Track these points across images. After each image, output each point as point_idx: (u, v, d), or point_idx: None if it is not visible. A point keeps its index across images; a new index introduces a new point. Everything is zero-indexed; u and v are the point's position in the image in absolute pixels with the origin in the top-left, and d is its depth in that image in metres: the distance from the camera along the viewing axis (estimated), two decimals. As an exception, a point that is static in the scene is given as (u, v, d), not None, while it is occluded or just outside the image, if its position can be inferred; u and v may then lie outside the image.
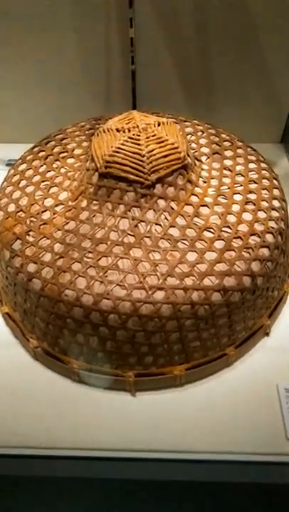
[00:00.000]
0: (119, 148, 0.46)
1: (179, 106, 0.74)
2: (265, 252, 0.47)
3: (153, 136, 0.47)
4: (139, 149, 0.46)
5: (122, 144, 0.46)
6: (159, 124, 0.49)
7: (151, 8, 0.64)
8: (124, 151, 0.46)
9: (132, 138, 0.47)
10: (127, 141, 0.47)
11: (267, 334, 0.54)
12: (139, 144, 0.46)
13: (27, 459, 0.44)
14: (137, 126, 0.48)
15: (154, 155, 0.46)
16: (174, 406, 0.48)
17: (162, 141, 0.47)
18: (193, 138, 0.59)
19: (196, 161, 0.53)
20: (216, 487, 0.43)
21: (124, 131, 0.48)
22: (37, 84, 0.75)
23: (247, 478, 0.43)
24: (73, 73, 0.73)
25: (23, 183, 0.54)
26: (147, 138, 0.47)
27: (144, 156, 0.46)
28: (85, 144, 0.58)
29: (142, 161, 0.46)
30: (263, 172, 0.55)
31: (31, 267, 0.46)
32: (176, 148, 0.47)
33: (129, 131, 0.48)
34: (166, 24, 0.66)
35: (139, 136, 0.47)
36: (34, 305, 0.47)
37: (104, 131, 0.49)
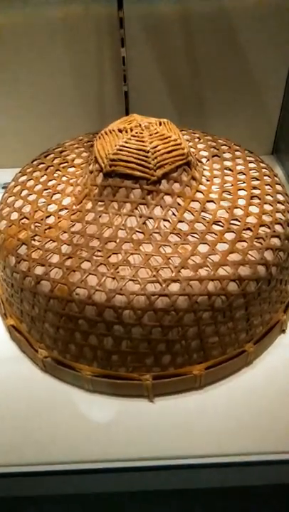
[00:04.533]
0: (123, 146, 0.46)
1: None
2: (276, 241, 0.47)
3: (156, 133, 0.47)
4: (144, 146, 0.46)
5: (126, 142, 0.47)
6: (160, 124, 0.49)
7: (141, 28, 0.67)
8: (128, 149, 0.46)
9: (135, 136, 0.47)
10: (131, 139, 0.47)
11: (283, 331, 0.52)
12: (143, 141, 0.46)
13: (43, 476, 0.40)
14: (140, 125, 0.48)
15: (159, 150, 0.46)
16: (195, 410, 0.45)
17: (165, 138, 0.47)
18: (191, 144, 0.59)
19: (198, 162, 0.53)
20: (248, 491, 0.40)
21: (126, 131, 0.48)
22: (30, 108, 0.76)
23: (279, 479, 0.40)
24: (66, 97, 0.74)
25: (25, 192, 0.54)
26: (150, 135, 0.47)
27: (148, 151, 0.46)
28: (84, 154, 0.59)
29: (146, 156, 0.46)
30: (264, 170, 0.55)
31: (39, 270, 0.45)
32: (180, 144, 0.48)
33: (131, 130, 0.48)
34: (156, 43, 0.69)
35: (142, 133, 0.47)
36: (43, 309, 0.45)
37: (106, 134, 0.49)
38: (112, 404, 0.45)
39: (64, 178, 0.54)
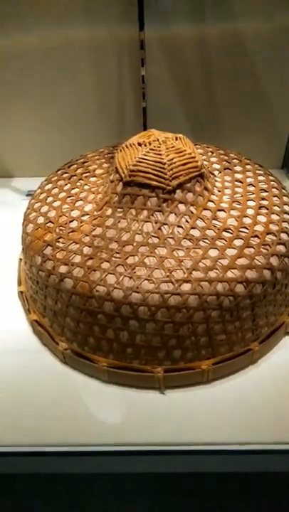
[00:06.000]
0: (142, 158, 0.51)
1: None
2: (281, 248, 0.50)
3: (172, 147, 0.52)
4: (161, 158, 0.51)
5: (145, 155, 0.51)
6: (176, 139, 0.54)
7: (160, 49, 0.72)
8: (146, 161, 0.51)
9: (153, 149, 0.51)
10: (149, 152, 0.51)
11: (288, 333, 0.55)
12: (160, 154, 0.51)
13: (59, 456, 0.44)
14: (157, 140, 0.53)
15: (174, 163, 0.51)
16: (203, 402, 0.48)
17: (181, 152, 0.52)
18: (204, 157, 0.64)
19: (210, 174, 0.58)
20: (247, 476, 0.43)
21: (145, 145, 0.53)
22: (54, 122, 0.81)
23: (281, 467, 0.43)
24: (89, 112, 0.80)
25: (50, 199, 0.58)
26: (167, 149, 0.51)
27: (165, 163, 0.50)
28: (105, 165, 0.63)
29: (163, 168, 0.50)
30: (272, 183, 0.59)
31: (62, 269, 0.49)
32: (194, 157, 0.52)
33: (150, 144, 0.52)
34: (173, 64, 0.74)
35: (159, 147, 0.52)
36: (65, 305, 0.49)
37: (126, 147, 0.54)
38: (126, 394, 0.49)
39: (86, 187, 0.59)
